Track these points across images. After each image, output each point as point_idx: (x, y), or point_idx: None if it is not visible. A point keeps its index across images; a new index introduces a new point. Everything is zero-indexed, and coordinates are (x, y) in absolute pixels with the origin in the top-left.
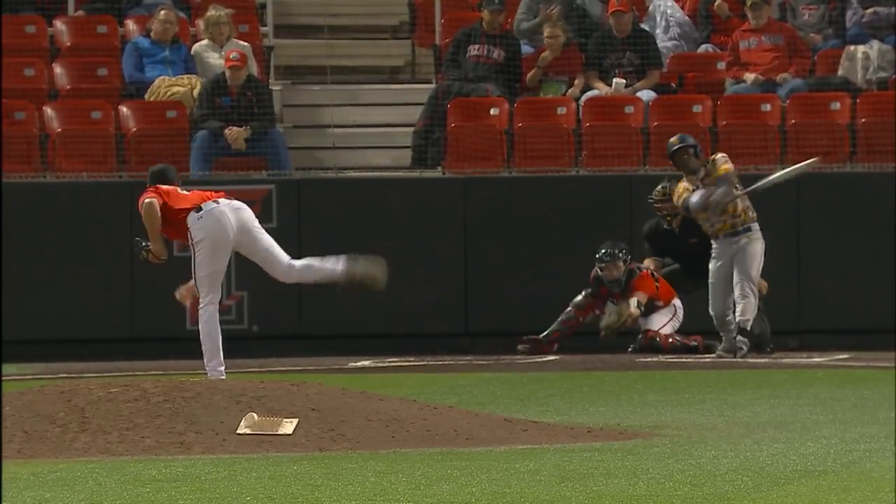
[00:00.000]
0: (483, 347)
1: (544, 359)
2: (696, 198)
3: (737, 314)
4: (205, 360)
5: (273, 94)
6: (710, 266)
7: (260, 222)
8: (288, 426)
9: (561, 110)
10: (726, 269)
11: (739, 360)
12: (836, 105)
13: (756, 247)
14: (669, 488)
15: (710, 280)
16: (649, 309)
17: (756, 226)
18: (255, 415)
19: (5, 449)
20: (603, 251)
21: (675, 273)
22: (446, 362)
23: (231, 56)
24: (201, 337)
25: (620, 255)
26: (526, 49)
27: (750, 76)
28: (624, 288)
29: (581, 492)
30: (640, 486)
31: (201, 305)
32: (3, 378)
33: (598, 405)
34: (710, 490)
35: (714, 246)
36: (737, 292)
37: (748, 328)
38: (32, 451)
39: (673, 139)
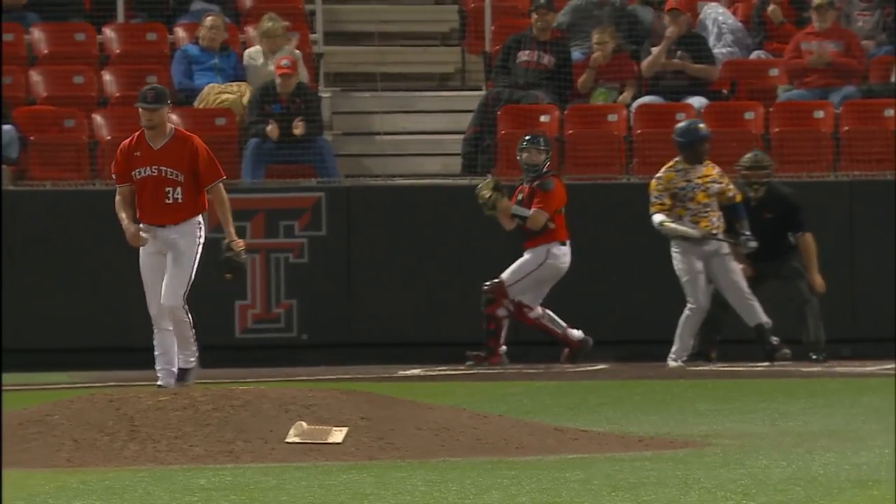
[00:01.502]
0: (533, 355)
1: (595, 367)
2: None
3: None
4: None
5: (322, 101)
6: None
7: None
8: (337, 435)
9: (612, 117)
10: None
11: (780, 367)
12: (890, 112)
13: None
14: (721, 498)
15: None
16: (525, 236)
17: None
18: (304, 423)
19: (54, 458)
20: (527, 136)
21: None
22: (496, 370)
23: (282, 63)
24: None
25: (543, 144)
26: (576, 56)
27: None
28: (536, 183)
29: (632, 502)
30: (691, 496)
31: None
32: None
33: (649, 414)
34: (761, 500)
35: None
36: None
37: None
38: (82, 460)
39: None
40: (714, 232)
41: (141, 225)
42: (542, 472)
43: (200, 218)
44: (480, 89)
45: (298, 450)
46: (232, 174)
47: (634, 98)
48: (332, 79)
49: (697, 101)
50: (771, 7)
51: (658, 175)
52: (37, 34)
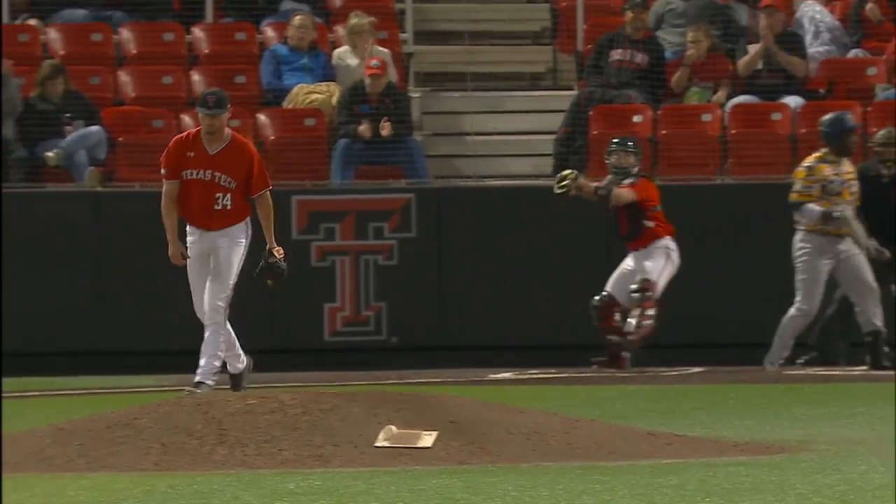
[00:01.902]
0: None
1: (689, 371)
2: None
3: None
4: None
5: (412, 101)
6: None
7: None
8: (427, 439)
9: (706, 117)
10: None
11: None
12: None
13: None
14: None
15: None
16: (631, 236)
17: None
18: (393, 427)
19: (142, 461)
20: (615, 139)
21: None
22: (588, 374)
23: (371, 63)
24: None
25: (632, 146)
26: (672, 55)
27: None
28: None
29: None
30: (787, 502)
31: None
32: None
33: (743, 418)
34: None
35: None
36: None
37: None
38: (170, 464)
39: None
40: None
41: (187, 227)
42: (635, 477)
43: (244, 223)
44: (572, 89)
45: (388, 454)
46: (321, 175)
47: (729, 97)
48: (421, 79)
49: (794, 101)
50: (869, 5)
51: (807, 164)
52: (125, 34)
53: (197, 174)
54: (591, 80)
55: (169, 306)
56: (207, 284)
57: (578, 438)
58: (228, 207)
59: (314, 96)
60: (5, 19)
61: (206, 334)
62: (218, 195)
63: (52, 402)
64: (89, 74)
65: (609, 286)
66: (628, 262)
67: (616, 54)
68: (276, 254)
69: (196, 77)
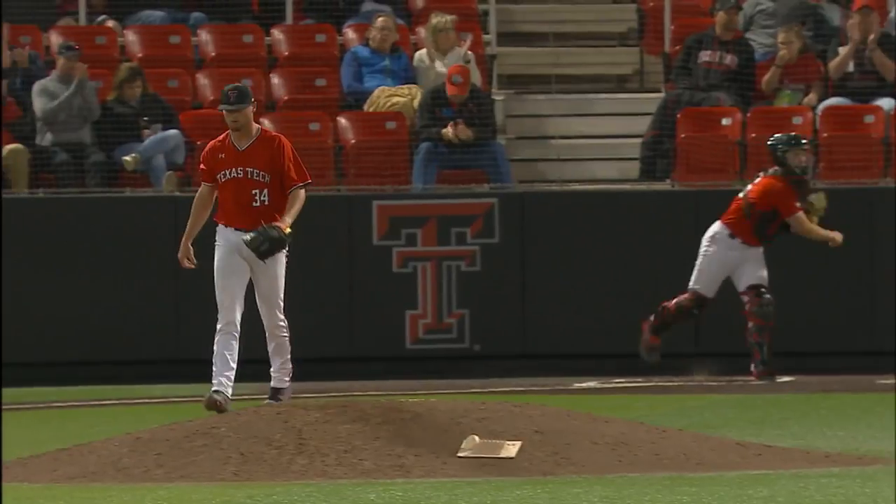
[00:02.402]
0: (715, 367)
1: (780, 380)
2: None
3: None
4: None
5: (496, 104)
6: None
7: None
8: (511, 449)
9: (797, 120)
10: None
11: None
12: None
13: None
14: None
15: None
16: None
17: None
18: (476, 437)
19: (221, 471)
20: (785, 136)
21: None
22: (675, 383)
23: (453, 79)
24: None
25: (804, 141)
26: (762, 56)
27: None
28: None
29: None
30: None
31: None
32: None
33: (835, 429)
34: None
35: None
36: None
37: None
38: (249, 474)
39: None
40: None
41: (219, 227)
42: (724, 488)
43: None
44: (659, 91)
45: (470, 464)
46: (402, 180)
47: (820, 100)
48: (505, 81)
49: (887, 103)
50: None
51: None
52: (204, 36)
53: (230, 173)
54: (679, 82)
55: (249, 314)
56: (262, 306)
57: (665, 449)
58: (267, 203)
59: (395, 99)
60: (82, 20)
61: (273, 352)
62: (254, 191)
63: (129, 411)
64: (167, 77)
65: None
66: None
67: (705, 56)
68: (278, 227)
69: (276, 80)
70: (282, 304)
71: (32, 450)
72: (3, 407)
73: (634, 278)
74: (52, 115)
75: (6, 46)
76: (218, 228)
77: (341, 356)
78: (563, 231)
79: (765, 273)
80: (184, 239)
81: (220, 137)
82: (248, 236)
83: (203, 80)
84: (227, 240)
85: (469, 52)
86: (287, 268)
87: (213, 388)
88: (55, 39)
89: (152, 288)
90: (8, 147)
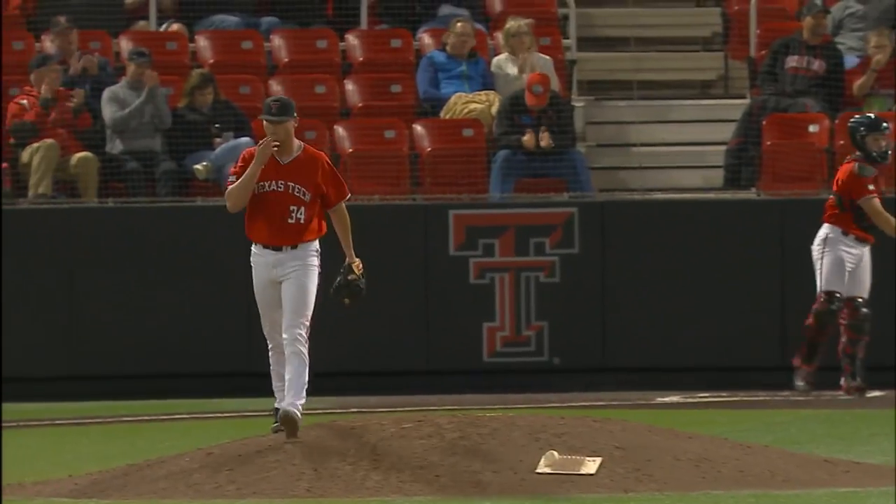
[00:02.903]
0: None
1: (870, 394)
2: None
3: None
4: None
5: (575, 111)
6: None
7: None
8: (591, 465)
9: (888, 127)
10: None
11: None
12: None
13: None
14: None
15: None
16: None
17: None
18: (555, 453)
19: (294, 487)
20: (866, 119)
21: None
22: (761, 398)
23: (533, 90)
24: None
25: (885, 125)
26: (850, 61)
27: None
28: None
29: None
30: None
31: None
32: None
33: None
34: None
35: None
36: None
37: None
38: (322, 490)
39: None
40: None
41: (254, 248)
42: None
43: (316, 243)
44: (744, 97)
45: (549, 481)
46: (479, 188)
47: None
48: (585, 87)
49: None
50: None
51: None
52: (276, 41)
53: (269, 186)
54: (765, 87)
55: (320, 326)
56: (285, 317)
57: (750, 466)
58: (302, 221)
59: (473, 106)
60: (153, 25)
61: (289, 367)
62: (292, 207)
63: (200, 426)
64: (239, 83)
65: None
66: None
67: (791, 61)
68: (355, 269)
69: (350, 86)
70: (308, 315)
71: (101, 465)
72: (73, 422)
73: (718, 290)
74: (123, 122)
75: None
76: (252, 248)
77: (417, 369)
78: (644, 241)
79: (868, 283)
80: (254, 161)
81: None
82: (346, 299)
83: (276, 86)
84: (261, 263)
85: (547, 58)
86: (320, 287)
87: (283, 407)
88: (125, 45)
89: (223, 299)
90: (77, 155)
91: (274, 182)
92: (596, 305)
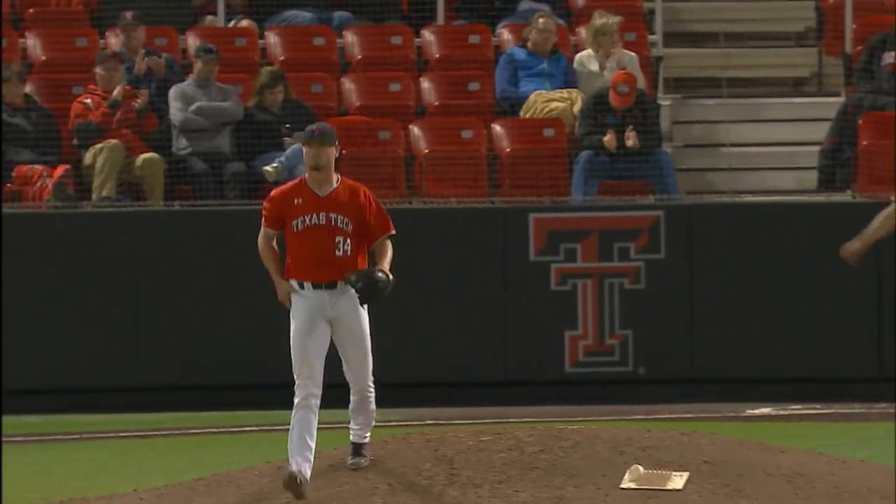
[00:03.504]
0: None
1: None
2: None
3: None
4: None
5: (662, 109)
6: None
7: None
8: (677, 480)
9: None
10: None
11: None
12: None
13: None
14: None
15: None
16: None
17: None
18: (640, 467)
19: (368, 502)
20: None
21: None
22: (857, 410)
23: (618, 89)
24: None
25: None
26: None
27: None
28: None
29: None
30: None
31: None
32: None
33: None
34: None
35: None
36: None
37: None
38: None
39: None
40: None
41: (297, 288)
42: None
43: None
44: (839, 95)
45: (634, 496)
46: (561, 191)
47: None
48: (672, 85)
49: None
50: None
51: None
52: (349, 38)
53: (310, 220)
54: (861, 85)
55: (393, 335)
56: (350, 367)
57: (846, 481)
58: (349, 253)
59: (554, 104)
60: (221, 21)
61: (356, 400)
62: (338, 239)
63: (269, 438)
64: (311, 81)
65: None
66: None
67: (889, 57)
68: (386, 273)
69: (426, 84)
70: (371, 366)
71: (167, 479)
72: (138, 434)
73: (811, 297)
74: (190, 122)
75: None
76: (295, 287)
77: (495, 380)
78: (734, 246)
79: None
80: (275, 278)
81: (293, 183)
82: (352, 275)
83: (348, 84)
84: (305, 301)
85: (633, 55)
86: (371, 322)
87: (291, 469)
88: (192, 42)
89: None
90: (143, 156)
91: (315, 215)
92: (683, 313)
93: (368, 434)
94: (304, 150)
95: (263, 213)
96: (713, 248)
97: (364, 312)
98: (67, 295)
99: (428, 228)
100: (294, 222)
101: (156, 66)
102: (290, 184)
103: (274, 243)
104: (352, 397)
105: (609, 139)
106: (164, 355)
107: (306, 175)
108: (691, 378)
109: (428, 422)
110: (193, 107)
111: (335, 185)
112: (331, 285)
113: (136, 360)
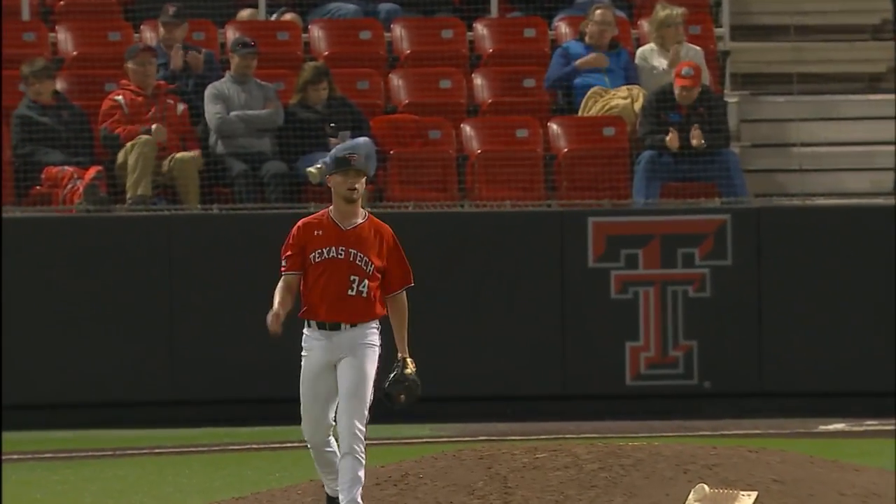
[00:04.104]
0: None
1: None
2: None
3: None
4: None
5: (729, 107)
6: None
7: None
8: (745, 500)
9: None
10: None
11: None
12: None
13: None
14: None
15: None
16: None
17: None
18: (706, 486)
19: None
20: None
21: None
22: None
23: (683, 71)
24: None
25: None
26: None
27: None
28: None
29: None
30: None
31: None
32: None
33: None
34: None
35: None
36: None
37: None
38: None
39: None
40: None
41: (306, 330)
42: None
43: (377, 323)
44: None
45: None
46: (621, 193)
47: None
48: (739, 81)
49: None
50: None
51: None
52: (398, 31)
53: (328, 252)
54: None
55: (443, 347)
56: (342, 404)
57: None
58: (364, 295)
59: (615, 102)
60: (262, 14)
61: (344, 463)
62: (353, 278)
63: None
64: (357, 78)
65: None
66: None
67: None
68: (409, 365)
69: (478, 80)
70: (367, 409)
71: (205, 498)
72: (174, 450)
73: (887, 305)
74: (228, 123)
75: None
76: (305, 330)
77: (552, 394)
78: (805, 251)
79: None
80: (274, 305)
81: (316, 215)
82: (402, 399)
83: (396, 80)
84: (315, 344)
85: (698, 49)
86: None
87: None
88: (231, 36)
89: None
90: (177, 156)
91: (334, 248)
92: (751, 323)
93: (355, 497)
94: (337, 178)
95: (285, 252)
96: (783, 253)
97: (374, 354)
98: (99, 304)
99: (480, 233)
100: (312, 255)
101: (194, 61)
102: (313, 215)
103: (295, 288)
104: (339, 451)
105: (672, 138)
106: (202, 367)
107: (331, 207)
108: (760, 392)
109: (481, 437)
110: (230, 115)
111: (360, 220)
112: (335, 327)
113: (171, 373)
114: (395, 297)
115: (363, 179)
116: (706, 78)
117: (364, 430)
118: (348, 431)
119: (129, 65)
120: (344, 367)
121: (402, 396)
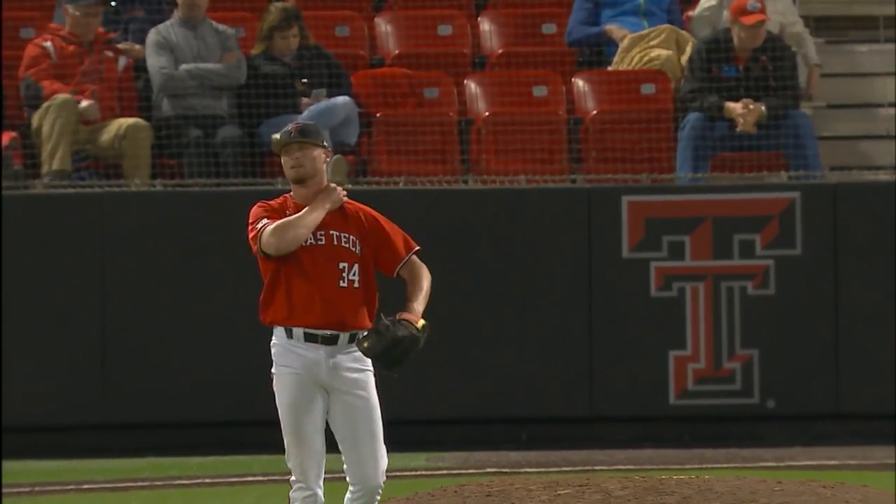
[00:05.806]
0: None
1: None
2: None
3: None
4: None
5: (798, 58)
6: None
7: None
8: None
9: None
10: None
11: None
12: None
13: None
14: None
15: None
16: None
17: None
18: None
19: None
20: None
21: None
22: None
23: (748, 6)
24: None
25: None
26: None
27: None
28: None
29: None
30: None
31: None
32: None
33: None
34: None
35: None
36: None
37: None
38: None
39: None
40: None
41: (280, 340)
42: None
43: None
44: None
45: None
46: (663, 167)
47: None
48: (813, 26)
49: None
50: None
51: None
52: None
53: (306, 241)
54: None
55: (442, 361)
56: (361, 449)
57: None
58: (356, 285)
59: (655, 53)
60: None
61: (319, 491)
62: (342, 265)
63: (281, 490)
64: (335, 22)
65: None
66: None
67: None
68: (413, 322)
69: (486, 26)
70: (384, 459)
71: None
72: (107, 485)
73: None
74: (175, 83)
75: None
76: (276, 340)
77: (577, 416)
78: (892, 238)
79: None
80: (309, 211)
81: (276, 200)
82: (365, 342)
83: (384, 26)
84: (296, 358)
85: None
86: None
87: None
88: None
89: None
90: (122, 122)
91: (311, 235)
92: (825, 327)
93: None
94: (283, 159)
95: (257, 220)
96: (865, 240)
97: (371, 381)
98: (12, 304)
99: (489, 216)
100: None
101: None
102: (271, 201)
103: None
104: (349, 494)
105: (732, 108)
106: (141, 384)
107: (291, 194)
108: (836, 413)
109: (488, 469)
110: (180, 69)
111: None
112: (329, 339)
113: (104, 391)
114: (409, 267)
115: (316, 152)
116: (772, 25)
117: (384, 470)
118: (374, 483)
119: (70, 9)
120: (346, 411)
121: (375, 349)
